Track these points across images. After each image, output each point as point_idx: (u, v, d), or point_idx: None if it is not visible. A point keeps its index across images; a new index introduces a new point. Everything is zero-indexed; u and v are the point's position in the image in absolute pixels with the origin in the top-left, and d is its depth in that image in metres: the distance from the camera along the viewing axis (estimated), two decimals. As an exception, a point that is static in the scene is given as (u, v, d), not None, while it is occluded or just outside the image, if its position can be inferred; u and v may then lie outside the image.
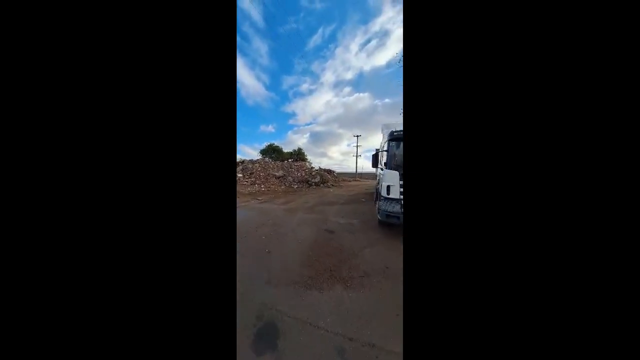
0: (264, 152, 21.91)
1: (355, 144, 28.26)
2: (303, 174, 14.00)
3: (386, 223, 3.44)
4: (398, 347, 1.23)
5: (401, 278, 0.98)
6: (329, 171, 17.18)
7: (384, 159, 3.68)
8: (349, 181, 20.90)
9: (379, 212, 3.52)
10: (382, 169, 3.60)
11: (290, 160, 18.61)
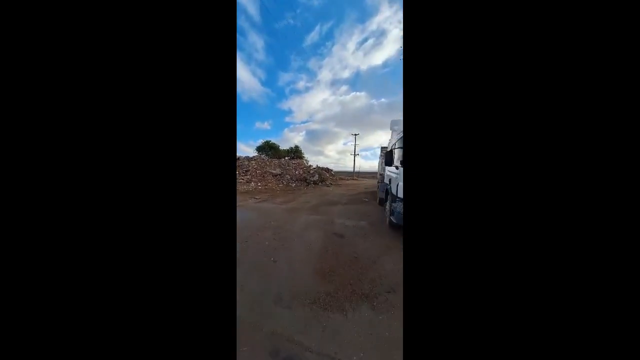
0: (260, 149, 21.33)
1: (352, 143, 28.10)
2: (301, 172, 13.65)
3: (398, 226, 3.17)
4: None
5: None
6: (327, 169, 16.87)
7: (396, 157, 3.39)
8: (347, 180, 20.71)
9: (392, 214, 3.23)
10: (396, 167, 3.29)
11: (287, 158, 18.18)
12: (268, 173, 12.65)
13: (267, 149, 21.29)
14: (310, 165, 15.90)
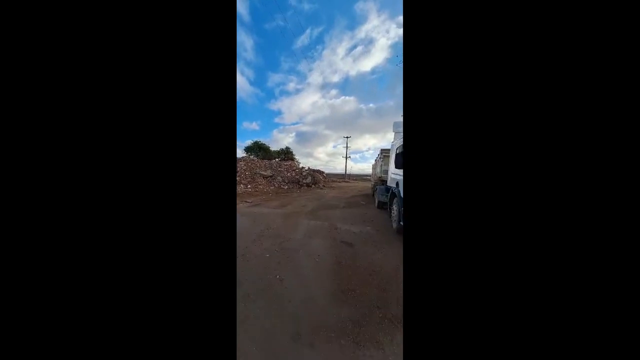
0: (249, 149, 20.49)
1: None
2: (293, 174, 13.24)
3: None
4: None
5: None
6: (320, 172, 16.60)
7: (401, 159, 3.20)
8: (339, 182, 20.61)
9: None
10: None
11: (277, 159, 17.63)
12: (258, 175, 12.08)
13: (257, 149, 20.50)
14: (302, 167, 15.52)
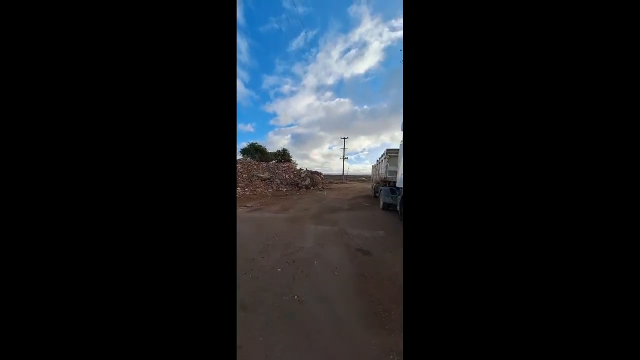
0: (245, 151, 20.00)
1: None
2: (292, 176, 12.93)
3: None
4: None
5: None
6: (318, 173, 16.35)
7: None
8: (337, 183, 20.42)
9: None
10: None
11: (274, 161, 17.27)
12: (256, 177, 11.71)
13: (253, 151, 20.01)
14: (300, 169, 15.22)
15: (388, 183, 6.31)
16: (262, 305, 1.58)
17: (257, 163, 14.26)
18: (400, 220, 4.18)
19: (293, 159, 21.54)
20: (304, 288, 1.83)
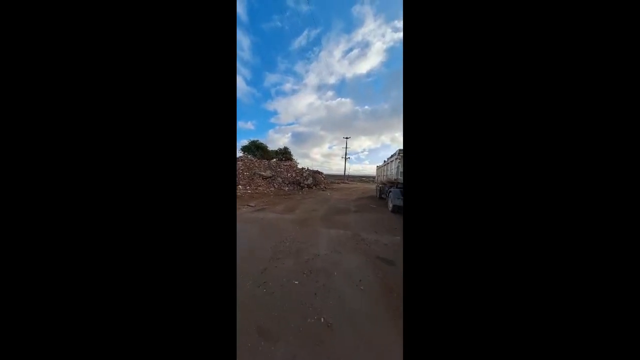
0: (246, 149, 19.65)
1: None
2: (294, 175, 12.67)
3: None
4: None
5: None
6: (320, 172, 16.09)
7: None
8: (338, 183, 20.20)
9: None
10: None
11: (276, 159, 16.98)
12: (257, 175, 11.43)
13: (254, 149, 19.66)
14: (302, 168, 14.94)
15: (397, 184, 6.07)
16: (285, 332, 1.32)
17: (258, 161, 13.97)
18: None
19: (294, 157, 21.25)
20: (329, 307, 1.58)
